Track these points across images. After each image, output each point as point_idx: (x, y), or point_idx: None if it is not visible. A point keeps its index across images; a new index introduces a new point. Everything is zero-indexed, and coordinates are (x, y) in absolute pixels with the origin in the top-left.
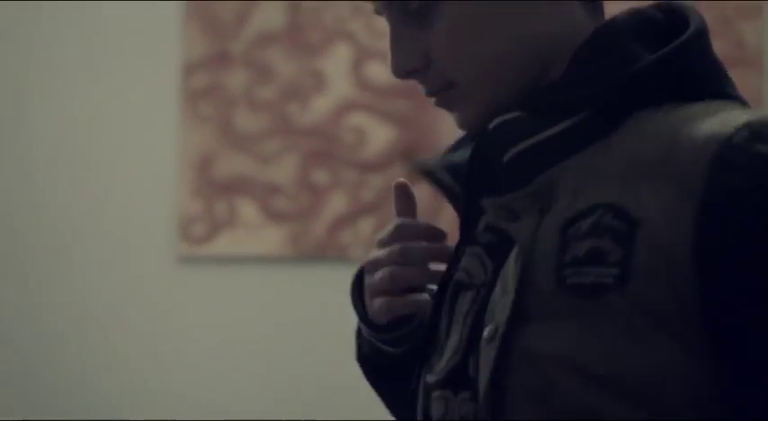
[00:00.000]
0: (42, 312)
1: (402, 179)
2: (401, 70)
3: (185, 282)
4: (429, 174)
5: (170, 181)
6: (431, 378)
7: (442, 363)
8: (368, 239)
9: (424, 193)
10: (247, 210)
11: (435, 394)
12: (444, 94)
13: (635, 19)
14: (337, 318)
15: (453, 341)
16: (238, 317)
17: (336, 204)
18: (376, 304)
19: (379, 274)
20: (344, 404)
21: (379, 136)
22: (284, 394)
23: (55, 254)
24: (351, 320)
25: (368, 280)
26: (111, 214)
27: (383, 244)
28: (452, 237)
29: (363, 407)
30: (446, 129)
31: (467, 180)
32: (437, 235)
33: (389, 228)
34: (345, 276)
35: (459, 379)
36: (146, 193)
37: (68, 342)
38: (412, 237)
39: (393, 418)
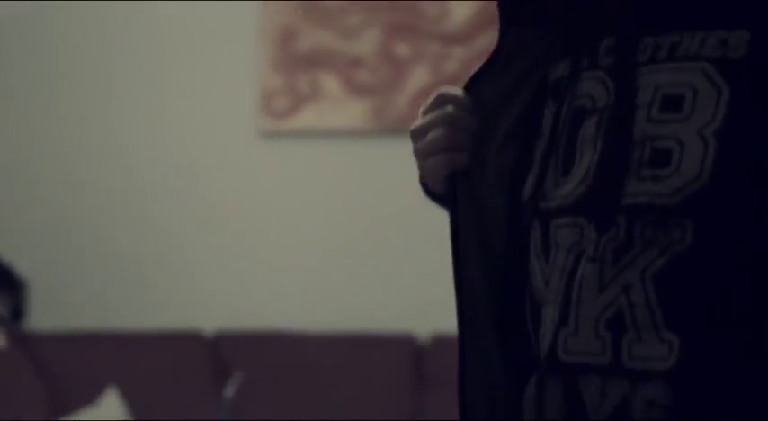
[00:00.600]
0: (125, 186)
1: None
2: None
3: (268, 157)
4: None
5: (252, 55)
6: (552, 204)
7: (568, 190)
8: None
9: None
10: (329, 83)
11: (561, 221)
12: None
13: None
14: (418, 191)
15: (583, 166)
16: (320, 191)
17: (419, 77)
18: (432, 161)
19: (432, 134)
20: (425, 271)
21: (462, 8)
22: (364, 263)
23: (138, 130)
24: None
25: (419, 144)
26: (194, 90)
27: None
28: None
29: (443, 270)
30: None
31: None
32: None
33: (432, 96)
34: None
35: (591, 204)
36: (228, 69)
37: (153, 217)
38: (456, 104)
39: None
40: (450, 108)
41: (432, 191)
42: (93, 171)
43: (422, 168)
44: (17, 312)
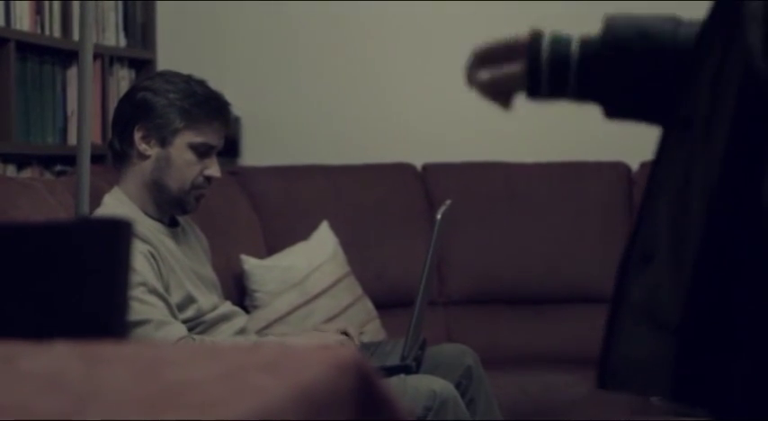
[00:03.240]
0: (340, 30)
1: None
2: None
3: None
4: None
5: None
6: None
7: None
8: None
9: None
10: None
11: None
12: None
13: None
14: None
15: None
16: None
17: None
18: None
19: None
20: None
21: None
22: None
23: None
24: None
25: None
26: None
27: None
28: None
29: None
30: None
31: None
32: None
33: None
34: None
35: None
36: None
37: (364, 57)
38: None
39: None
40: None
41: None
42: (310, 13)
43: None
44: (233, 147)
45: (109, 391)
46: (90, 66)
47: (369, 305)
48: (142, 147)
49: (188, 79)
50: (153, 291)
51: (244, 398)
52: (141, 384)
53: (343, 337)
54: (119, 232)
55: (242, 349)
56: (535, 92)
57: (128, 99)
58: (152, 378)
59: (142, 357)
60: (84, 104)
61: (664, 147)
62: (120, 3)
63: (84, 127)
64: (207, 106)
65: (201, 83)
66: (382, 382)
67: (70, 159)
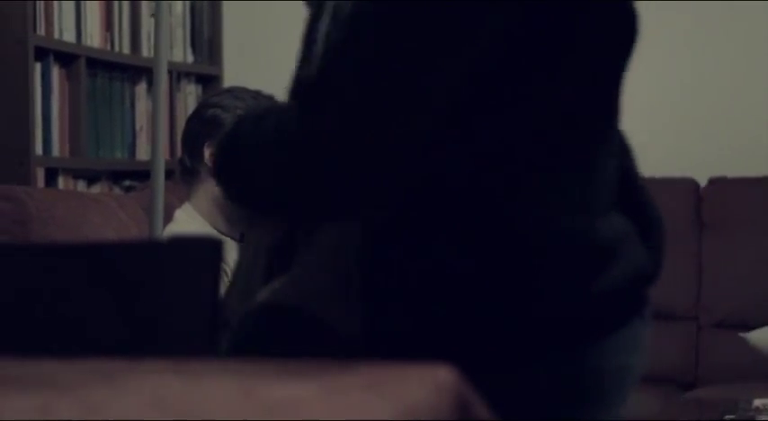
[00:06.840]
0: None
1: None
2: None
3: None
4: None
5: None
6: None
7: None
8: None
9: None
10: None
11: None
12: None
13: None
14: None
15: None
16: None
17: None
18: None
19: None
20: (708, 117)
21: None
22: (640, 103)
23: None
24: None
25: None
26: None
27: None
28: None
29: (721, 117)
30: None
31: None
32: None
33: None
34: None
35: None
36: None
37: None
38: None
39: None
40: None
41: None
42: None
43: None
44: None
45: (210, 408)
46: (164, 82)
47: None
48: (212, 163)
49: (256, 95)
50: None
51: (349, 416)
52: (242, 401)
53: None
54: (209, 251)
55: (335, 368)
56: None
57: (197, 116)
58: (251, 395)
59: (237, 374)
60: (158, 120)
61: None
62: (187, 19)
63: (158, 143)
64: None
65: (270, 98)
66: (481, 404)
67: (138, 174)
